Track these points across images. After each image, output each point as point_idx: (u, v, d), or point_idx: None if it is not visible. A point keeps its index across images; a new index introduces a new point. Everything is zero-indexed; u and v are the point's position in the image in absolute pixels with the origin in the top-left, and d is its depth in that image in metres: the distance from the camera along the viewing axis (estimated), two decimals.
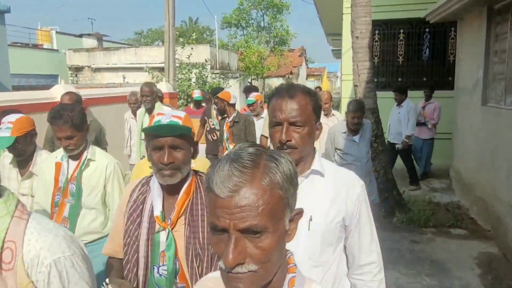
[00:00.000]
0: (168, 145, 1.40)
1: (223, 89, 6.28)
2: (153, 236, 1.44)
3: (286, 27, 27.40)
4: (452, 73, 6.95)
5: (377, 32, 7.80)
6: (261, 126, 4.94)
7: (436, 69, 7.78)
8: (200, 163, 2.23)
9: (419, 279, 3.76)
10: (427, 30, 7.71)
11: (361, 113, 3.89)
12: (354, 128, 3.93)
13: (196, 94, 6.75)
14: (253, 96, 5.20)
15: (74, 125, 2.23)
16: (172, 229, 1.44)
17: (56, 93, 5.89)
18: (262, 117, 5.20)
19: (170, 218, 1.44)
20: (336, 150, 4.04)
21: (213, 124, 5.66)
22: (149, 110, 4.58)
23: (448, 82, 7.41)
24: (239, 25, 27.97)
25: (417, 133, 6.68)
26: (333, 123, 4.59)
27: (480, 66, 5.39)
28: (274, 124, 1.37)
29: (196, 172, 1.58)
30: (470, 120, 5.77)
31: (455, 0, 5.16)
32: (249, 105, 5.38)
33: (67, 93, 4.24)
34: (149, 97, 4.52)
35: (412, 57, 7.87)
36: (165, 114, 1.46)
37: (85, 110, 2.58)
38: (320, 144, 4.57)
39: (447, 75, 7.54)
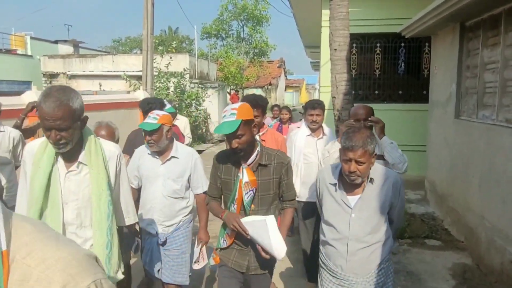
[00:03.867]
0: None
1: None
2: None
3: (266, 38, 27.67)
4: (427, 86, 7.13)
5: (354, 45, 7.94)
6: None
7: (411, 82, 7.96)
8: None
9: None
10: (402, 44, 7.90)
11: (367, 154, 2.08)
12: (351, 178, 2.14)
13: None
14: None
15: None
16: None
17: (27, 99, 5.70)
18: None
19: None
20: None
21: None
22: None
23: (423, 96, 7.59)
24: (219, 35, 28.07)
25: None
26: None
27: (453, 81, 5.54)
28: None
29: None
30: (443, 133, 5.91)
31: (429, 16, 5.31)
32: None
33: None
34: None
35: (388, 71, 8.04)
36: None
37: None
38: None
39: (422, 88, 7.72)
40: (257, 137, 3.38)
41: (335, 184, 2.25)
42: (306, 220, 3.88)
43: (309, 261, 3.90)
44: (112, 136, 2.96)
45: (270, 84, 32.74)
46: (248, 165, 2.29)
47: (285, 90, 42.13)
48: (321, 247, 2.39)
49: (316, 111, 3.69)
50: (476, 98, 4.91)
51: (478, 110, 4.87)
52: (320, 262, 2.39)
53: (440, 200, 5.92)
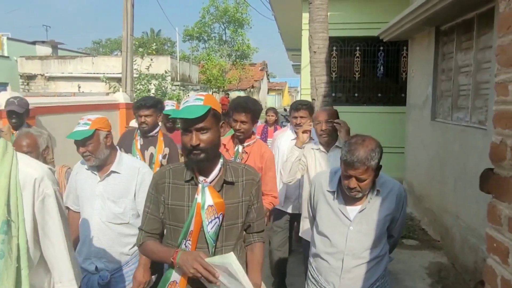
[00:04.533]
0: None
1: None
2: None
3: (247, 41, 27.76)
4: (405, 89, 7.26)
5: (334, 48, 8.03)
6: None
7: (390, 85, 8.10)
8: None
9: None
10: (381, 48, 8.03)
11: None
12: (351, 193, 1.92)
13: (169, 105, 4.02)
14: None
15: None
16: None
17: (0, 100, 5.57)
18: None
19: None
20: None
21: None
22: None
23: (401, 98, 7.73)
24: (201, 38, 28.02)
25: None
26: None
27: (429, 83, 5.66)
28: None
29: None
30: (420, 135, 6.03)
31: (405, 20, 5.42)
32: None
33: (13, 97, 4.13)
34: None
35: (367, 74, 8.16)
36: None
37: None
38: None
39: (400, 91, 7.86)
40: (239, 147, 2.79)
41: (334, 192, 1.99)
42: (283, 232, 3.56)
43: (275, 271, 3.63)
44: (34, 146, 2.46)
45: (253, 87, 32.80)
46: (209, 183, 1.64)
47: (268, 93, 42.27)
48: (311, 259, 2.11)
49: (300, 113, 3.26)
50: (451, 100, 5.02)
51: (452, 112, 4.99)
52: (309, 275, 2.11)
53: (418, 201, 6.03)
